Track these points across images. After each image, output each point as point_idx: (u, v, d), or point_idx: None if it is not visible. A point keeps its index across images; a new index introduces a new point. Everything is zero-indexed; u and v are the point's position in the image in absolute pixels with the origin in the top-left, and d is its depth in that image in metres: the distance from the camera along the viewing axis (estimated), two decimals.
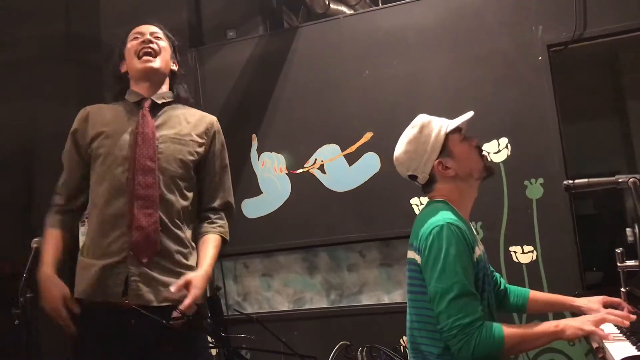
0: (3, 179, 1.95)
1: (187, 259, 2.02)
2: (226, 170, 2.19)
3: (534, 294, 2.08)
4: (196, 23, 3.55)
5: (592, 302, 1.96)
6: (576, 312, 1.93)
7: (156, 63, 2.10)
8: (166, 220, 1.99)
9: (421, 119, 1.89)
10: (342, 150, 3.14)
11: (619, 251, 1.78)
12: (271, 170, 3.26)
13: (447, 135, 1.83)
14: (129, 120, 2.08)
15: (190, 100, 2.25)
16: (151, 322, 1.74)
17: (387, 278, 3.07)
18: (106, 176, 2.01)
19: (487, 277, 1.78)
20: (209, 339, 1.96)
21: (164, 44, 2.16)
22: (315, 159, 3.19)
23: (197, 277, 1.90)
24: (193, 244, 2.07)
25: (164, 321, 1.74)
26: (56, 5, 3.58)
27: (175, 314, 1.80)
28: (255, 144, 3.31)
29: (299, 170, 3.21)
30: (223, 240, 2.10)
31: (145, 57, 2.10)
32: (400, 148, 1.89)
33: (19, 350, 1.90)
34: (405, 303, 1.81)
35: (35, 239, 2.08)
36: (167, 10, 3.47)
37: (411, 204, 2.96)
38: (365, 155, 3.09)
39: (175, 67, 2.22)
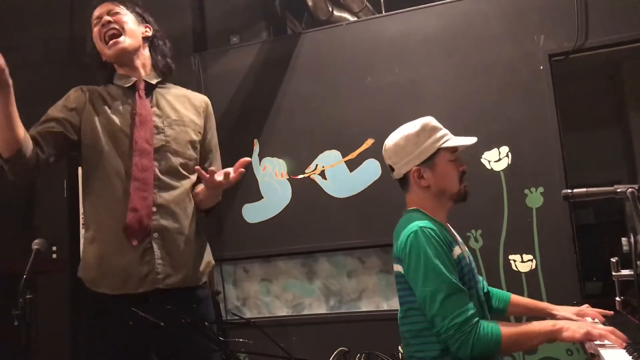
0: (3, 179, 1.95)
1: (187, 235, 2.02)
2: (217, 149, 2.20)
3: (515, 298, 2.13)
4: (200, 28, 3.57)
5: (568, 311, 2.00)
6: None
7: (124, 42, 2.03)
8: (166, 201, 1.98)
9: (426, 120, 1.88)
10: (343, 156, 3.15)
11: (614, 260, 1.79)
12: (272, 175, 3.27)
13: (439, 149, 1.84)
14: (124, 105, 2.04)
15: (170, 64, 2.16)
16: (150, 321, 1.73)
17: (387, 284, 3.07)
18: (106, 166, 1.98)
19: (472, 273, 1.80)
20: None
21: (126, 17, 2.07)
22: (316, 165, 3.20)
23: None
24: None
25: (162, 323, 1.74)
26: (60, 9, 3.60)
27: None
28: (256, 148, 3.32)
29: (300, 176, 3.23)
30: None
31: (111, 41, 2.03)
32: (393, 138, 1.90)
33: (18, 352, 1.91)
34: None
35: (36, 241, 2.08)
36: (171, 15, 3.49)
37: None
38: (366, 161, 3.10)
39: (149, 32, 2.14)
